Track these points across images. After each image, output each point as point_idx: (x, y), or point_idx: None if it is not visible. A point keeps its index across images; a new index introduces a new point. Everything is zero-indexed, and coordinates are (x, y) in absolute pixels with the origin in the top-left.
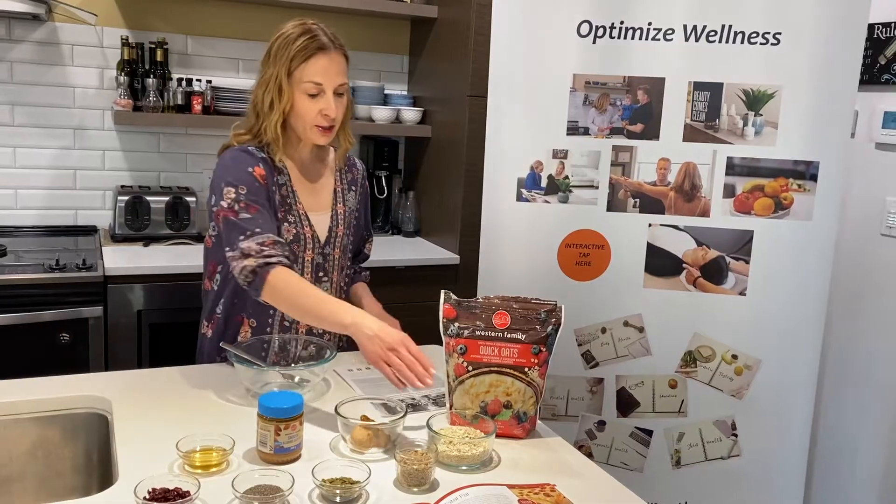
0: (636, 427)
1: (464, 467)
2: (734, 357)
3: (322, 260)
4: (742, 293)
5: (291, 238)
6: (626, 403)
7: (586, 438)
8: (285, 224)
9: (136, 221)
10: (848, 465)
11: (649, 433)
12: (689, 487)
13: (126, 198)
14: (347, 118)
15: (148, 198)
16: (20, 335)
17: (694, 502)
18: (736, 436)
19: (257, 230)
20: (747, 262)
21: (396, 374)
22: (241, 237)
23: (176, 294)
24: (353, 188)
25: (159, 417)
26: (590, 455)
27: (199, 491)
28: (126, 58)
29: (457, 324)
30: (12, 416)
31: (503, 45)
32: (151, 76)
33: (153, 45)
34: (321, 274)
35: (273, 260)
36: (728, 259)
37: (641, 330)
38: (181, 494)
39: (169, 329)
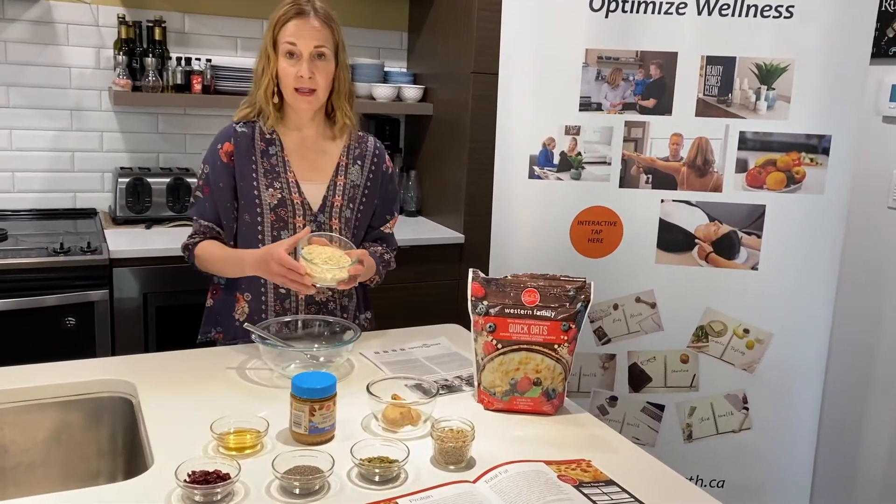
0: (648, 402)
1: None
2: (746, 331)
3: (317, 228)
4: (754, 268)
5: (276, 203)
6: (638, 379)
7: (598, 414)
8: (270, 190)
9: (137, 203)
10: (857, 437)
11: (661, 408)
12: (701, 461)
13: (127, 180)
14: (339, 91)
15: (149, 179)
16: (24, 320)
17: (705, 475)
18: (747, 409)
19: (196, 216)
20: (759, 236)
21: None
22: (193, 218)
23: (182, 276)
24: (360, 163)
25: (185, 400)
26: None
27: (240, 473)
28: (124, 37)
29: (485, 302)
30: (34, 400)
31: (514, 20)
32: (150, 55)
33: (151, 24)
34: None
35: (197, 239)
36: (740, 234)
37: (653, 305)
38: (222, 477)
39: (175, 311)
